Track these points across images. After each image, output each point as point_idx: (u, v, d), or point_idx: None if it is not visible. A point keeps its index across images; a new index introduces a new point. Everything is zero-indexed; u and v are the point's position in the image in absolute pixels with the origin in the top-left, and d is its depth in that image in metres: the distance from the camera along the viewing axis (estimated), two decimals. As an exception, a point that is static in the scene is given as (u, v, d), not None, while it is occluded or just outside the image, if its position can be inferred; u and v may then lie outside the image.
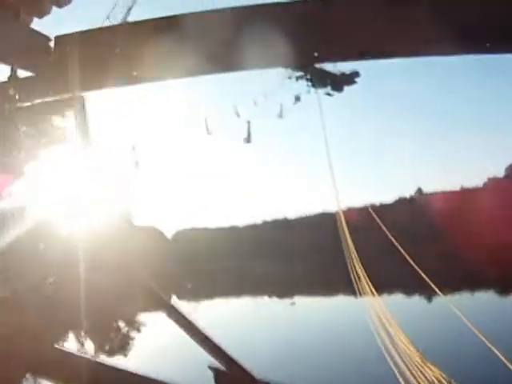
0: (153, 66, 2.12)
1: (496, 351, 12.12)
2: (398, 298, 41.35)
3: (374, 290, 18.21)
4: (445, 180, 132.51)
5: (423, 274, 16.42)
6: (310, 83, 28.37)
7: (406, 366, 14.17)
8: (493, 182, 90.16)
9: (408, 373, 13.94)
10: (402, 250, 18.40)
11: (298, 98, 26.89)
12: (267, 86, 26.29)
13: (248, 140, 22.39)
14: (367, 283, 18.38)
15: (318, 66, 29.07)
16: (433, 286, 15.80)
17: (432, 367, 13.58)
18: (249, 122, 22.11)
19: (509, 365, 12.19)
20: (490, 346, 12.37)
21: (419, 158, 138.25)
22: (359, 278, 18.77)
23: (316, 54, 2.69)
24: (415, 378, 13.63)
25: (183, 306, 51.74)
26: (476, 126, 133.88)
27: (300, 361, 22.50)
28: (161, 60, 2.16)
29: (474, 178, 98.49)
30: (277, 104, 25.28)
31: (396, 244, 19.20)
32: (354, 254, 20.03)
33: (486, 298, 38.70)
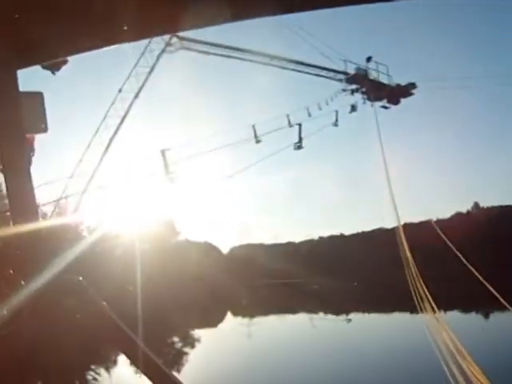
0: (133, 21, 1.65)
1: None
2: (462, 315, 39.65)
3: (435, 306, 17.26)
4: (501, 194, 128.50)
5: (491, 288, 15.47)
6: (365, 96, 27.78)
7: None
8: None
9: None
10: (467, 263, 17.46)
11: (354, 108, 26.34)
12: (321, 99, 25.84)
13: (299, 145, 21.75)
14: (428, 299, 17.46)
15: (372, 77, 28.44)
16: (503, 302, 14.84)
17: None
18: (300, 125, 21.52)
19: None
20: None
21: (476, 171, 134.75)
22: (419, 293, 17.85)
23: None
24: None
25: (238, 321, 51.51)
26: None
27: (357, 381, 21.71)
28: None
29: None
30: (331, 115, 24.76)
31: (460, 257, 18.23)
32: (414, 269, 19.13)
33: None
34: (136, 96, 24.78)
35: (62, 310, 2.21)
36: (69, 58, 2.67)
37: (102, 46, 2.06)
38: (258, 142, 20.36)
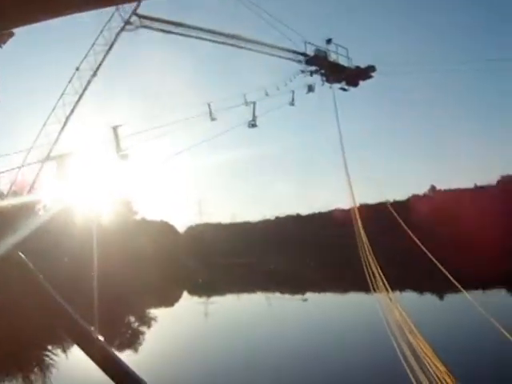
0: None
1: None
2: (415, 295, 40.83)
3: (388, 286, 17.75)
4: (458, 177, 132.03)
5: (444, 270, 15.99)
6: (324, 77, 27.89)
7: (418, 364, 13.75)
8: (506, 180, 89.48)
9: (419, 371, 13.52)
10: (421, 246, 17.96)
11: (311, 88, 26.44)
12: (279, 79, 25.85)
13: (253, 124, 21.86)
14: (382, 280, 17.93)
15: (332, 59, 28.55)
16: (454, 282, 15.38)
17: (442, 366, 13.18)
18: (254, 104, 21.60)
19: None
20: None
21: (433, 154, 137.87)
22: (373, 274, 18.30)
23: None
24: (426, 375, 13.23)
25: (195, 300, 51.66)
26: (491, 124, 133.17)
27: (311, 358, 22.17)
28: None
29: (488, 176, 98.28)
30: (289, 95, 24.83)
31: (414, 239, 18.73)
32: (369, 250, 19.55)
33: (505, 295, 37.85)
34: (94, 74, 24.37)
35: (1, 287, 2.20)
36: (15, 31, 2.47)
37: (51, 17, 1.93)
38: (213, 119, 20.42)
